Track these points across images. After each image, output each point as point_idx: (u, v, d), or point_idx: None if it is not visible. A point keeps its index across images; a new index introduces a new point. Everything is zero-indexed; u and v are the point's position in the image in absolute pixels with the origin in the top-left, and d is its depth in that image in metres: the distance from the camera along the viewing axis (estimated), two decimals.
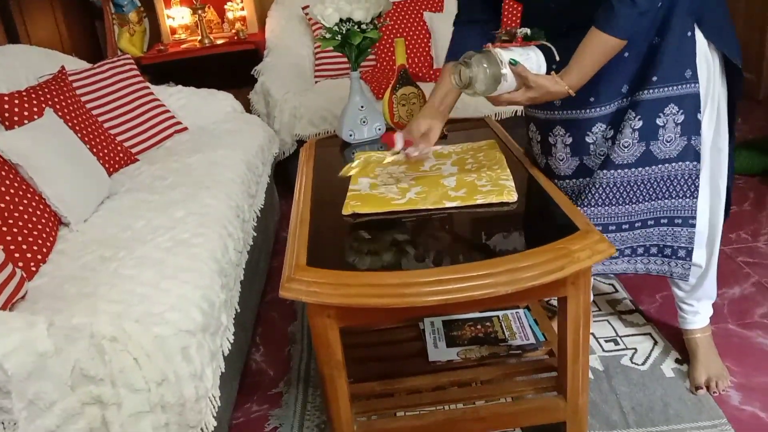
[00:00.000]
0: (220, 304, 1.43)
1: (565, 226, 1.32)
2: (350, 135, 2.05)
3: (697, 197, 1.49)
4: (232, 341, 1.46)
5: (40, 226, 1.71)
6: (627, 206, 1.52)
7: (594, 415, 1.59)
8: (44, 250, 1.68)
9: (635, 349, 1.82)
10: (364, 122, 2.05)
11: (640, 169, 1.48)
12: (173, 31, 3.64)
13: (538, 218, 1.48)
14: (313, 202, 1.62)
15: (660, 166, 1.47)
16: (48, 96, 2.11)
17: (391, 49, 3.29)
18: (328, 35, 1.93)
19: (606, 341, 1.87)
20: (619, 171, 1.48)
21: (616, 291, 2.12)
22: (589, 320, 1.36)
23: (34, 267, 1.61)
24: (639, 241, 1.56)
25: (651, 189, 1.50)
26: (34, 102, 2.01)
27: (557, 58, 1.37)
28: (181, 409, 1.17)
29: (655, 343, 1.84)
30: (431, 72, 3.12)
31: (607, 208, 1.53)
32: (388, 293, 1.21)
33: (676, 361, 1.76)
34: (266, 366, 1.96)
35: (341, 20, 1.88)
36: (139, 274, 1.45)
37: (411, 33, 3.29)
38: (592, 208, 1.54)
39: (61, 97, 2.15)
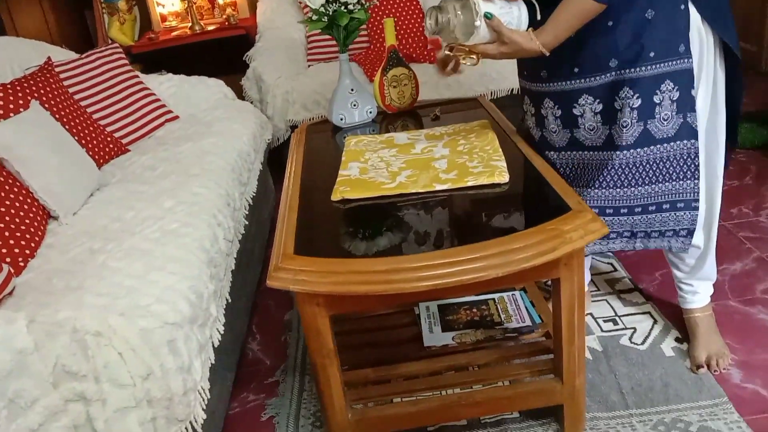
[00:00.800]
0: (209, 295, 1.41)
1: (557, 207, 1.29)
2: (341, 119, 2.01)
3: (698, 178, 1.45)
4: (222, 332, 1.43)
5: (27, 221, 1.69)
6: (627, 189, 1.48)
7: (592, 397, 1.57)
8: (32, 244, 1.65)
9: (634, 328, 1.80)
10: (354, 105, 2.01)
11: (639, 150, 1.44)
12: (164, 19, 3.59)
13: (530, 199, 1.45)
14: (302, 188, 1.59)
15: (659, 146, 1.43)
16: (34, 88, 2.07)
17: (383, 30, 3.23)
18: (314, 17, 1.89)
19: (605, 321, 1.85)
20: (618, 153, 1.44)
21: (615, 270, 2.09)
22: (584, 301, 1.33)
23: (22, 262, 1.59)
24: (639, 226, 1.52)
25: (651, 172, 1.45)
26: (20, 95, 1.98)
27: (539, 17, 1.36)
28: (168, 403, 1.15)
29: (655, 322, 1.82)
30: (425, 52, 3.07)
31: (605, 191, 1.49)
32: (377, 280, 1.18)
33: (676, 340, 1.73)
34: (263, 355, 1.95)
35: (327, 1, 1.84)
36: (127, 266, 1.42)
37: (403, 13, 3.23)
38: (592, 190, 1.50)
39: (48, 89, 2.12)
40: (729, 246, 2.15)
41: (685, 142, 1.43)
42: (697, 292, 1.70)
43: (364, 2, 1.90)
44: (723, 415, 1.48)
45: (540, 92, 1.54)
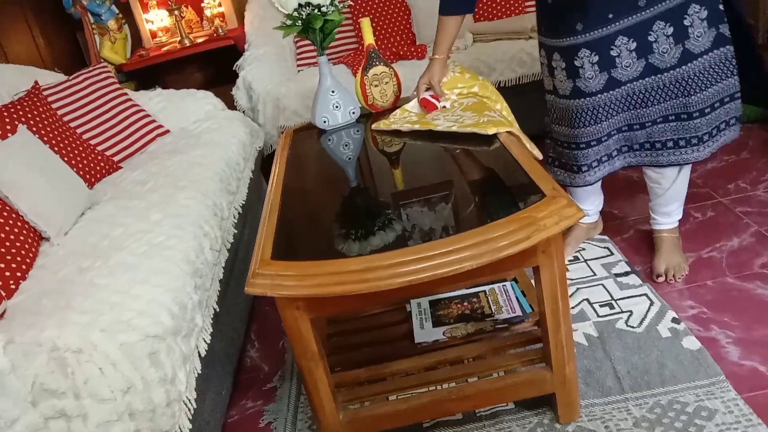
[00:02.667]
0: (193, 306, 1.42)
1: (532, 194, 1.28)
2: (324, 121, 2.02)
3: (736, 74, 1.65)
4: (209, 341, 1.44)
5: (18, 244, 1.71)
6: (681, 99, 1.67)
7: (588, 383, 1.56)
8: (23, 266, 1.67)
9: (631, 311, 1.78)
10: (337, 107, 2.01)
11: (684, 67, 1.63)
12: (154, 35, 3.62)
13: (505, 187, 1.44)
14: (284, 193, 1.60)
15: (699, 59, 1.62)
16: (21, 113, 2.10)
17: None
18: (288, 22, 1.89)
19: (601, 306, 1.83)
20: (664, 74, 1.64)
21: (611, 254, 2.07)
22: (566, 288, 1.32)
23: (13, 285, 1.61)
24: (701, 129, 1.69)
25: (699, 81, 1.64)
26: (7, 120, 2.00)
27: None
28: (151, 415, 1.16)
29: (651, 303, 1.80)
30: (413, 49, 3.06)
31: (658, 106, 1.69)
32: (351, 280, 1.18)
33: (673, 320, 1.71)
34: (261, 361, 1.95)
35: (300, 5, 1.84)
36: (113, 282, 1.44)
37: (390, 11, 3.23)
38: (641, 110, 1.70)
39: (35, 113, 2.15)
40: (727, 222, 2.12)
41: (721, 49, 1.63)
42: (668, 214, 1.92)
43: (337, 4, 1.90)
44: (720, 393, 1.45)
45: (575, 45, 1.67)
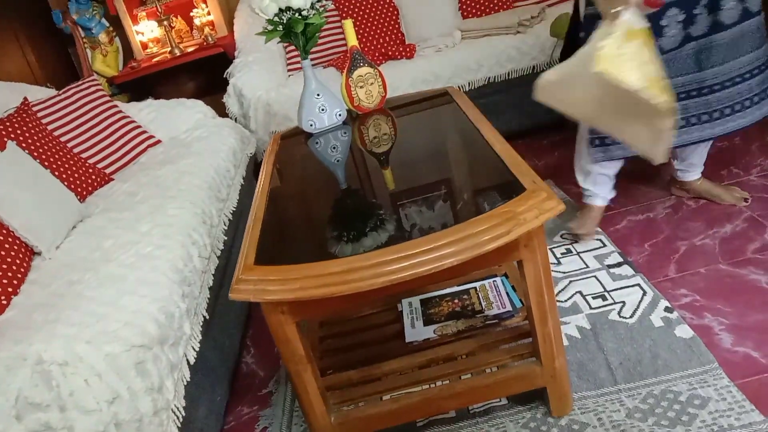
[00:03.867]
0: (181, 314, 1.42)
1: (512, 188, 1.28)
2: (311, 125, 2.02)
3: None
4: (197, 349, 1.44)
5: (9, 259, 1.72)
6: (738, 59, 1.77)
7: (581, 376, 1.55)
8: (15, 282, 1.68)
9: (623, 302, 1.77)
10: (323, 110, 2.01)
11: (744, 23, 1.75)
12: (144, 46, 3.63)
13: (485, 182, 1.44)
14: (269, 198, 1.60)
15: (752, 19, 1.75)
16: (10, 129, 2.12)
17: (359, 32, 3.23)
18: (270, 27, 1.90)
19: (594, 298, 1.82)
20: (723, 33, 1.74)
21: (604, 245, 2.06)
22: (551, 281, 1.31)
23: (5, 300, 1.62)
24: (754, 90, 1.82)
25: (754, 38, 1.76)
26: None
27: None
28: (138, 425, 1.16)
29: (644, 293, 1.79)
30: (402, 49, 3.06)
31: (718, 67, 1.79)
32: (333, 282, 1.18)
33: (665, 309, 1.70)
34: (257, 367, 1.96)
35: (280, 10, 1.85)
36: (101, 294, 1.44)
37: (378, 11, 3.23)
38: (716, 68, 1.78)
39: (24, 129, 2.16)
40: (720, 208, 2.11)
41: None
42: (698, 166, 2.11)
43: (318, 7, 1.90)
44: (713, 381, 1.45)
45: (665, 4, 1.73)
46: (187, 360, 1.39)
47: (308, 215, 1.56)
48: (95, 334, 1.23)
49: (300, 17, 1.86)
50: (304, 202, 1.65)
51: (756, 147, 2.43)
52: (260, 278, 1.23)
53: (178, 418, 1.26)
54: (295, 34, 1.91)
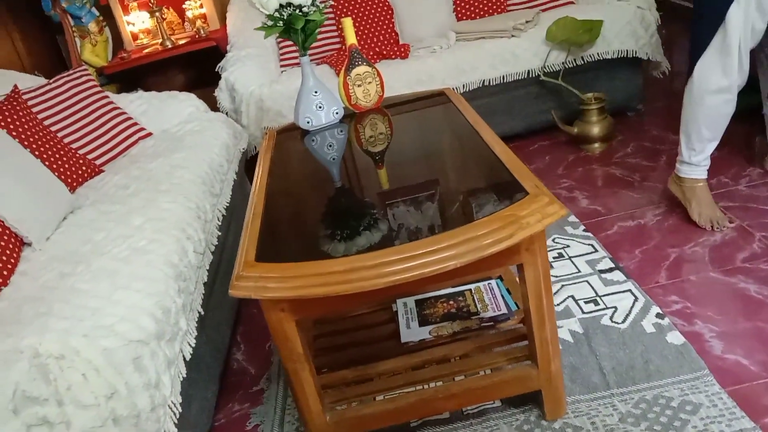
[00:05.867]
0: (177, 310, 1.41)
1: (515, 192, 1.29)
2: (307, 122, 2.01)
3: None
4: (193, 345, 1.43)
5: None
6: None
7: (574, 380, 1.56)
8: (5, 273, 1.65)
9: (615, 307, 1.79)
10: (320, 107, 2.01)
11: None
12: (135, 37, 3.59)
13: (488, 186, 1.45)
14: (267, 195, 1.59)
15: None
16: (0, 117, 2.08)
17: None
18: (270, 23, 1.89)
19: (586, 303, 1.84)
20: None
21: (596, 251, 2.08)
22: (550, 285, 1.32)
23: None
24: None
25: None
26: None
27: None
28: (136, 421, 1.14)
29: (636, 299, 1.81)
30: (396, 48, 3.06)
31: None
32: (336, 281, 1.18)
33: (657, 315, 1.72)
34: (247, 364, 1.94)
35: (281, 5, 1.84)
36: (94, 287, 1.42)
37: (373, 10, 3.22)
38: None
39: (14, 117, 2.12)
40: None
41: None
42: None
43: (319, 4, 1.90)
44: (704, 387, 1.47)
45: None
46: (183, 356, 1.37)
47: (308, 213, 1.55)
48: (91, 328, 1.22)
49: (300, 14, 1.85)
50: (303, 199, 1.65)
51: (744, 157, 2.47)
52: (261, 275, 1.22)
53: (174, 414, 1.25)
54: (294, 30, 1.89)
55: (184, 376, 1.34)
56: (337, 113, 2.03)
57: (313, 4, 1.87)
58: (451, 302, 1.71)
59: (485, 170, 1.47)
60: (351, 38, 2.04)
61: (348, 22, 2.03)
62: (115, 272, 1.47)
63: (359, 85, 2.04)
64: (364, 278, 1.16)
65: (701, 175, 2.09)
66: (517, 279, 1.78)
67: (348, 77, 2.03)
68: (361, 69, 2.03)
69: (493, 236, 1.19)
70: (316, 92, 1.99)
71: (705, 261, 1.93)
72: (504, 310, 1.63)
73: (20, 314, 1.42)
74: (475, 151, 1.53)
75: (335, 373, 1.54)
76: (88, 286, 1.44)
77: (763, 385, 1.45)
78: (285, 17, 1.85)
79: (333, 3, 3.18)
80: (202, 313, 1.58)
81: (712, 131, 2.03)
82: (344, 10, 3.20)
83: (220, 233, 1.94)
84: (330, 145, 1.94)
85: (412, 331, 1.62)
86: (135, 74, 3.50)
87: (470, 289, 1.74)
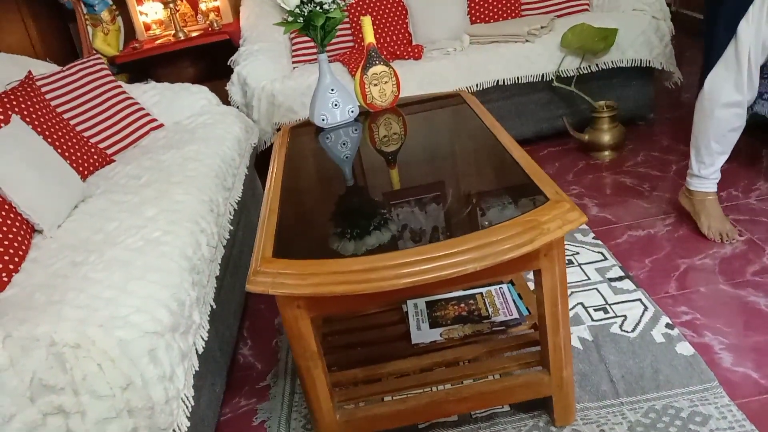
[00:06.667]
0: (191, 303, 1.40)
1: (535, 197, 1.29)
2: (323, 119, 2.01)
3: None
4: (206, 339, 1.43)
5: (11, 236, 1.68)
6: None
7: (583, 387, 1.57)
8: (16, 259, 1.65)
9: (625, 316, 1.79)
10: (336, 105, 2.00)
11: None
12: (147, 27, 3.58)
13: (508, 191, 1.45)
14: (283, 191, 1.59)
15: None
16: (15, 103, 2.07)
17: None
18: (290, 19, 1.88)
19: (595, 310, 1.84)
20: None
21: (605, 258, 2.08)
22: (566, 291, 1.32)
23: (6, 277, 1.58)
24: None
25: None
26: (0, 110, 1.97)
27: None
28: (150, 413, 1.14)
29: (645, 309, 1.81)
30: (410, 49, 3.06)
31: None
32: (355, 279, 1.18)
33: (666, 326, 1.72)
34: (254, 359, 1.94)
35: (302, 2, 1.83)
36: (107, 277, 1.42)
37: (387, 10, 3.22)
38: None
39: (29, 103, 2.12)
40: None
41: None
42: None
43: (339, 2, 1.89)
44: (713, 399, 1.47)
45: None
46: (196, 349, 1.37)
47: (324, 210, 1.55)
48: (106, 318, 1.21)
49: (321, 11, 1.85)
50: (319, 197, 1.64)
51: (755, 171, 2.47)
52: (278, 271, 1.22)
53: (187, 407, 1.24)
54: (314, 27, 1.89)
55: (197, 369, 1.34)
56: (352, 112, 2.03)
57: (333, 2, 1.86)
58: (462, 305, 1.71)
59: (504, 174, 1.47)
60: (369, 37, 2.04)
61: (367, 21, 2.03)
62: (129, 263, 1.47)
63: (375, 85, 2.04)
64: (383, 278, 1.16)
65: (711, 188, 2.09)
66: (528, 284, 1.79)
67: (365, 76, 2.03)
68: (378, 68, 2.03)
69: (512, 241, 1.19)
70: (332, 90, 1.99)
71: (715, 273, 1.93)
72: (516, 315, 1.63)
73: (32, 301, 1.42)
74: (493, 154, 1.53)
75: (346, 372, 1.54)
76: (102, 276, 1.44)
77: None
78: (305, 14, 1.85)
79: (352, 1, 3.18)
80: (214, 306, 1.58)
81: (722, 145, 2.03)
82: (359, 9, 3.20)
83: (232, 227, 1.94)
84: (344, 144, 1.94)
85: (422, 333, 1.62)
86: (145, 65, 3.49)
87: (481, 293, 1.74)
